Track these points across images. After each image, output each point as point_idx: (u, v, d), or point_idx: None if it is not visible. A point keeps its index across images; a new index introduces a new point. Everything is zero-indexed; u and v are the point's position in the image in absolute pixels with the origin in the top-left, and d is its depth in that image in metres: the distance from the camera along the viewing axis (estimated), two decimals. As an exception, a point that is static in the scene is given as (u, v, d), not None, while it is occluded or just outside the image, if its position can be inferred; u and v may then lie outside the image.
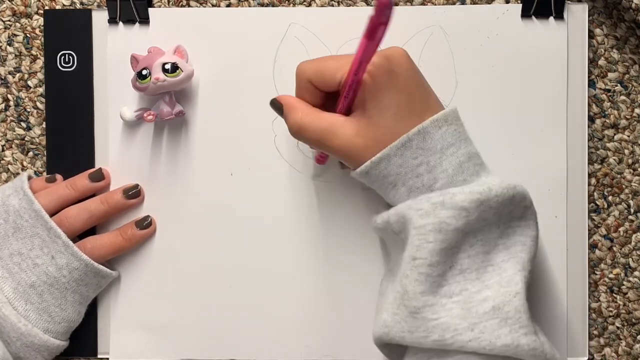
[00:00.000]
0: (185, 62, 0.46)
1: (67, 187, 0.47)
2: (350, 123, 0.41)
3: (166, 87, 0.45)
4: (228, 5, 0.49)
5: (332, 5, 0.49)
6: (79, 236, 0.48)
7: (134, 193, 0.48)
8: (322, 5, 0.49)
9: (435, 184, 0.40)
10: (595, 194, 0.49)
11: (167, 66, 0.45)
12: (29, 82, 0.50)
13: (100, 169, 0.49)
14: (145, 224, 0.48)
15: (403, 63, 0.41)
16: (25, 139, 0.50)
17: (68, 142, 0.49)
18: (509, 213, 0.40)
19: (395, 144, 0.40)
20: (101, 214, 0.47)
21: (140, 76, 0.45)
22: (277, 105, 0.44)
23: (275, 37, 0.48)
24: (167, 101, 0.47)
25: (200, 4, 0.49)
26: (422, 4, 0.49)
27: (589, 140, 0.49)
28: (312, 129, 0.41)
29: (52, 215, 0.46)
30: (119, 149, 0.49)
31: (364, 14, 0.48)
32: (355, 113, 0.41)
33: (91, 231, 0.49)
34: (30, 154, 0.50)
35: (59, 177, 0.49)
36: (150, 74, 0.45)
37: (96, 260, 0.46)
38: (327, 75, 0.41)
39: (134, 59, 0.46)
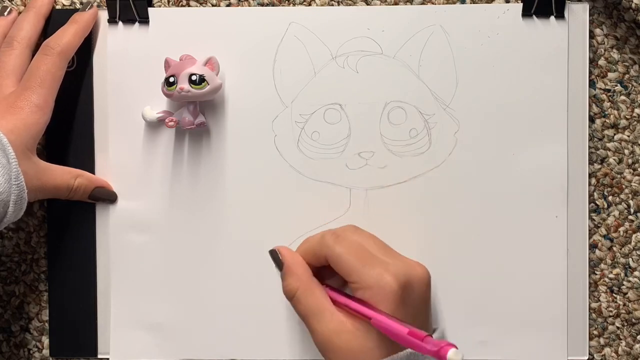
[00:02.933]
0: (215, 74, 0.46)
1: None
2: (338, 319, 0.41)
3: (190, 98, 0.45)
4: (228, 5, 0.49)
5: (332, 5, 0.49)
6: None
7: None
8: (322, 5, 0.49)
9: None
10: (595, 194, 0.49)
11: (194, 77, 0.45)
12: (29, 82, 0.50)
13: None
14: (88, 8, 0.48)
15: (422, 292, 0.42)
16: (25, 138, 0.50)
17: (68, 142, 0.49)
18: None
19: None
20: (32, 16, 0.47)
21: (167, 82, 0.45)
22: (277, 259, 0.45)
23: (275, 37, 0.48)
24: (191, 110, 0.47)
25: (200, 3, 0.49)
26: (423, 3, 0.49)
27: (588, 140, 0.49)
28: (303, 305, 0.42)
29: None
30: (119, 148, 0.49)
31: (364, 13, 0.48)
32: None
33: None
34: (30, 153, 0.50)
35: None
36: (176, 82, 0.45)
37: (64, 49, 0.46)
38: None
39: (167, 63, 0.46)
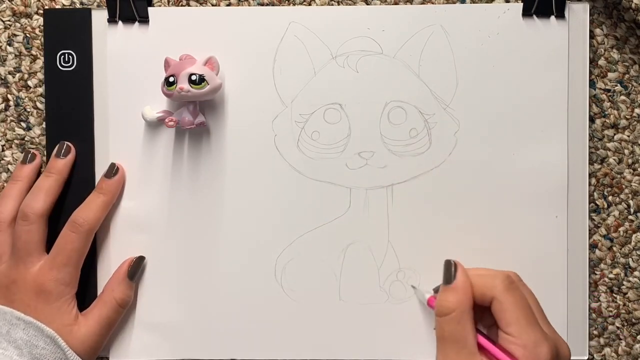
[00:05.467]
0: (215, 74, 0.46)
1: (13, 183, 0.48)
2: None
3: (190, 98, 0.45)
4: (228, 5, 0.49)
5: (332, 5, 0.49)
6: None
7: (64, 151, 0.48)
8: (322, 5, 0.49)
9: None
10: (595, 194, 0.49)
11: (194, 77, 0.45)
12: (29, 82, 0.50)
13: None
14: (114, 171, 0.48)
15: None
16: (25, 139, 0.50)
17: (68, 142, 0.49)
18: None
19: None
20: (52, 184, 0.47)
21: (167, 82, 0.45)
22: (449, 272, 0.43)
23: (275, 37, 0.48)
24: (191, 110, 0.47)
25: (200, 3, 0.49)
26: (423, 3, 0.49)
27: (589, 140, 0.49)
28: (451, 328, 0.41)
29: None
30: (119, 148, 0.49)
31: (364, 13, 0.48)
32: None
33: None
34: (30, 153, 0.50)
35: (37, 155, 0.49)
36: (176, 81, 0.45)
37: (92, 227, 0.46)
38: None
39: (167, 63, 0.46)
